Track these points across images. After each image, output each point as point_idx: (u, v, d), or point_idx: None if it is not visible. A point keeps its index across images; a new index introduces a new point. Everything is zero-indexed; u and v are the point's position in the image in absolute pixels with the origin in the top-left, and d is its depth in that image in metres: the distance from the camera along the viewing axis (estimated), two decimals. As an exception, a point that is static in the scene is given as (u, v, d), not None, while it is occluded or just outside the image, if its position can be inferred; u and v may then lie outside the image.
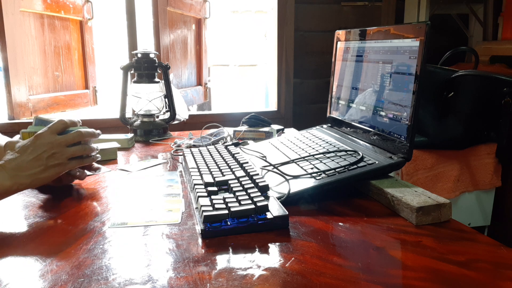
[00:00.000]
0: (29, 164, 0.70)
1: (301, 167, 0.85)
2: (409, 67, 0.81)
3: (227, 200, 0.66)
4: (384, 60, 0.89)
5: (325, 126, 1.16)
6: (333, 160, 0.85)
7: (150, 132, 1.32)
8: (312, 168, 0.83)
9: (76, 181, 0.87)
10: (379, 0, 2.32)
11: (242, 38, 6.71)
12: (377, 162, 0.81)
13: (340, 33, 1.11)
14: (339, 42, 1.12)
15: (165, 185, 0.86)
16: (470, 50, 2.00)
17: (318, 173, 0.80)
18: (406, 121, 0.81)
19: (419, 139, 1.61)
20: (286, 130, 1.37)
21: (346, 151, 0.89)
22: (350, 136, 1.01)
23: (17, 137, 0.91)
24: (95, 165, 0.86)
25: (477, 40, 2.54)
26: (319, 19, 2.27)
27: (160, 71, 1.37)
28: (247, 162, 0.85)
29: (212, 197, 0.68)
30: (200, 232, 0.62)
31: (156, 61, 1.35)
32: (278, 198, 0.71)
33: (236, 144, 1.09)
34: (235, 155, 0.92)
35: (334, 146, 0.94)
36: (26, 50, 1.99)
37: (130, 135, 1.24)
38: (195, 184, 0.74)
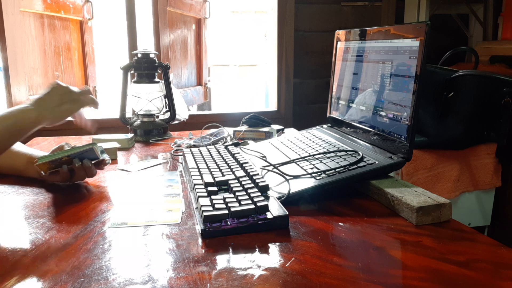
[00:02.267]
0: (49, 99, 0.84)
1: (301, 167, 0.85)
2: (409, 67, 0.81)
3: (227, 200, 0.66)
4: (384, 60, 0.89)
5: (325, 126, 1.16)
6: (333, 160, 0.85)
7: (150, 132, 1.32)
8: (312, 168, 0.83)
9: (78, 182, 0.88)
10: (379, 0, 2.31)
11: (242, 38, 6.71)
12: (377, 162, 0.81)
13: (340, 33, 1.11)
14: (339, 42, 1.12)
15: (165, 185, 0.86)
16: (470, 50, 2.00)
17: (318, 173, 0.80)
18: (406, 121, 0.81)
19: (419, 139, 1.61)
20: (286, 130, 1.37)
21: (346, 151, 0.89)
22: (350, 136, 1.01)
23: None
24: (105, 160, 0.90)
25: (477, 40, 2.54)
26: (319, 19, 2.27)
27: (160, 71, 1.37)
28: (247, 162, 0.85)
29: (212, 197, 0.68)
30: (200, 232, 0.62)
31: (156, 61, 1.35)
32: (278, 198, 0.71)
33: (236, 144, 1.09)
34: (235, 155, 0.92)
35: (334, 146, 0.94)
36: (26, 50, 1.99)
37: (130, 135, 1.24)
38: (195, 184, 0.74)
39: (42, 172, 0.84)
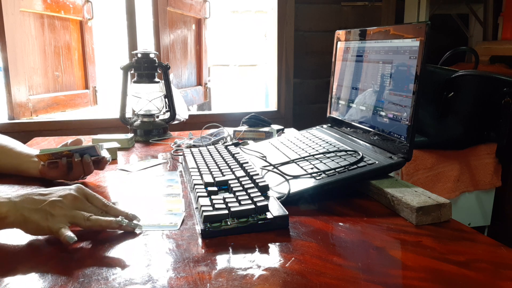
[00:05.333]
0: (36, 203, 0.60)
1: (301, 167, 0.85)
2: (409, 67, 0.81)
3: (227, 200, 0.66)
4: (384, 60, 0.89)
5: (325, 126, 1.16)
6: (333, 160, 0.85)
7: (150, 132, 1.32)
8: (312, 168, 0.83)
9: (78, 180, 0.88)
10: (379, 0, 2.31)
11: (242, 38, 6.71)
12: (377, 162, 0.81)
13: (340, 33, 1.11)
14: (339, 42, 1.12)
15: (165, 185, 0.86)
16: (470, 50, 2.00)
17: (318, 173, 0.80)
18: (406, 121, 0.81)
19: (419, 139, 1.61)
20: (286, 130, 1.37)
21: (346, 151, 0.89)
22: (350, 136, 1.01)
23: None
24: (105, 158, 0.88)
25: (477, 40, 2.54)
26: (319, 19, 2.27)
27: (160, 71, 1.37)
28: (247, 162, 0.85)
29: (212, 197, 0.68)
30: (200, 232, 0.62)
31: (156, 61, 1.35)
32: (278, 198, 0.71)
33: (236, 144, 1.08)
34: (235, 155, 0.92)
35: (334, 146, 0.94)
36: (26, 50, 1.99)
37: (130, 135, 1.24)
38: (195, 184, 0.74)
39: (41, 163, 0.85)
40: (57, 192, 0.63)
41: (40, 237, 0.62)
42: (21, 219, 0.59)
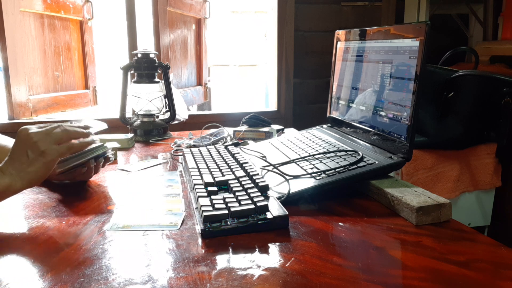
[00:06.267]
0: (17, 159, 0.68)
1: (301, 167, 0.85)
2: (409, 67, 0.81)
3: (227, 200, 0.66)
4: (384, 60, 0.89)
5: (325, 126, 1.16)
6: (333, 160, 0.85)
7: (150, 132, 1.32)
8: (312, 168, 0.83)
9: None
10: (379, 0, 2.31)
11: (242, 38, 6.71)
12: (377, 162, 0.81)
13: (340, 33, 1.11)
14: (339, 42, 1.12)
15: (165, 185, 0.86)
16: (470, 50, 2.00)
17: (318, 173, 0.80)
18: (406, 121, 0.81)
19: (419, 139, 1.61)
20: (286, 130, 1.37)
21: (346, 151, 0.89)
22: (350, 136, 1.01)
23: None
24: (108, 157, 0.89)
25: (477, 40, 2.54)
26: (319, 19, 2.27)
27: (160, 71, 1.37)
28: (247, 162, 0.85)
29: (212, 197, 0.68)
30: (200, 232, 0.62)
31: (156, 61, 1.35)
32: (278, 198, 0.71)
33: (236, 144, 1.09)
34: (235, 155, 0.92)
35: (334, 146, 0.94)
36: (26, 50, 1.99)
37: (130, 135, 1.24)
38: (195, 184, 0.74)
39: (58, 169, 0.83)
40: (39, 141, 0.69)
41: (39, 237, 0.62)
42: (30, 180, 0.68)
